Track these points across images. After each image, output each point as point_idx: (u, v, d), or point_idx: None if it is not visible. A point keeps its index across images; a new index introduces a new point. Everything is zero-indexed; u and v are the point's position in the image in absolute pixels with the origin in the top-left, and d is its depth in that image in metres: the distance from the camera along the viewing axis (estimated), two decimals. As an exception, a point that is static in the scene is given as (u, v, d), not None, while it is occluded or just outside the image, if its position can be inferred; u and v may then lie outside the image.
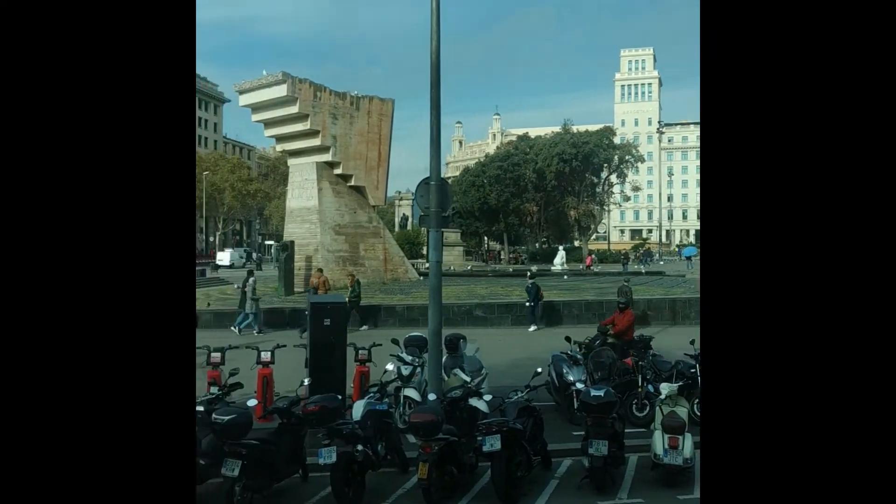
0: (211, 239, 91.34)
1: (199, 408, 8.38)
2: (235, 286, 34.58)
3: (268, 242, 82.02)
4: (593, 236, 79.97)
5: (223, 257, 65.71)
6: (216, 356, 11.50)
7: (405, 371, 10.96)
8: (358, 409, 9.14)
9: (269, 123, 32.21)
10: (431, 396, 9.50)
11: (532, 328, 22.10)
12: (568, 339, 12.91)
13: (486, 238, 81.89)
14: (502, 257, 73.26)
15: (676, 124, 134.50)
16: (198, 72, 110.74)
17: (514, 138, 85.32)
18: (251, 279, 21.88)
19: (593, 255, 63.09)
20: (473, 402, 9.50)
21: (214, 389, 9.04)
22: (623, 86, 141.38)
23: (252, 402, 8.63)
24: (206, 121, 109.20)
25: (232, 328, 21.15)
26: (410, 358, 11.28)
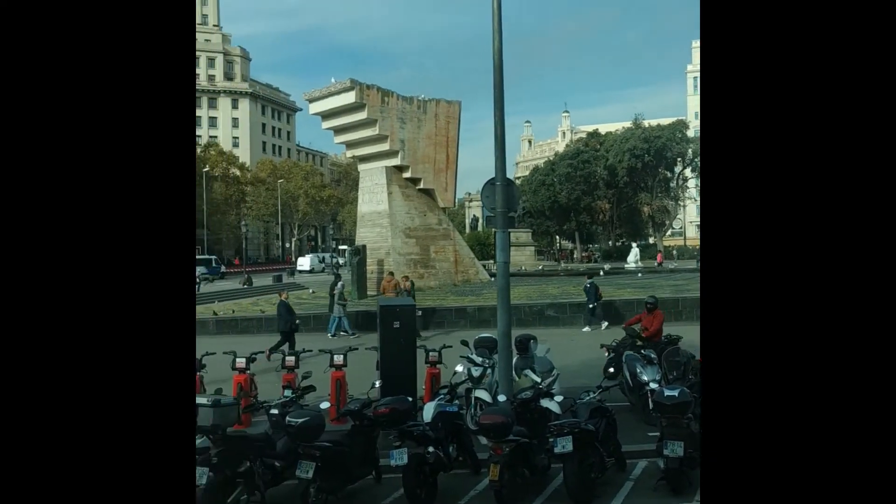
0: (287, 245, 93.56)
1: (274, 410, 8.59)
2: (311, 291, 35.35)
3: (341, 247, 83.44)
4: (668, 232, 78.21)
5: (303, 263, 66.98)
6: (290, 360, 11.78)
7: (475, 372, 10.95)
8: (429, 410, 9.18)
9: (338, 130, 32.81)
10: (502, 398, 9.46)
11: (586, 328, 21.80)
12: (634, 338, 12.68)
13: (557, 237, 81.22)
14: (575, 256, 72.45)
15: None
16: (271, 83, 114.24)
17: (583, 135, 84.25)
18: (339, 283, 22.23)
19: (674, 252, 61.80)
20: (544, 402, 9.42)
21: (288, 392, 9.24)
22: (695, 77, 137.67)
23: (325, 405, 8.78)
24: (279, 130, 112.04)
25: (334, 334, 21.38)
26: (480, 359, 11.26)
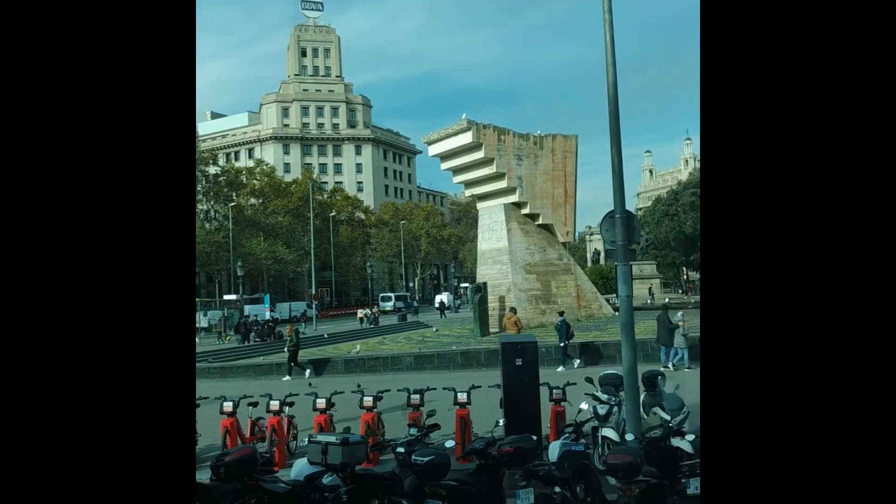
0: (410, 284, 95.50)
1: (400, 449, 8.72)
2: (434, 329, 35.78)
3: (462, 285, 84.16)
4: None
5: (443, 299, 66.99)
6: (416, 398, 11.95)
7: (601, 410, 10.69)
8: (554, 449, 9.03)
9: (457, 170, 33.42)
10: (630, 437, 9.18)
11: (560, 368, 20.78)
12: None
13: (684, 268, 78.43)
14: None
15: None
16: (392, 128, 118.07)
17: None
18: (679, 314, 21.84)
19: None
20: (675, 442, 9.05)
21: (413, 431, 9.35)
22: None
23: (450, 444, 8.82)
24: (400, 173, 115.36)
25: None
26: (606, 397, 10.99)
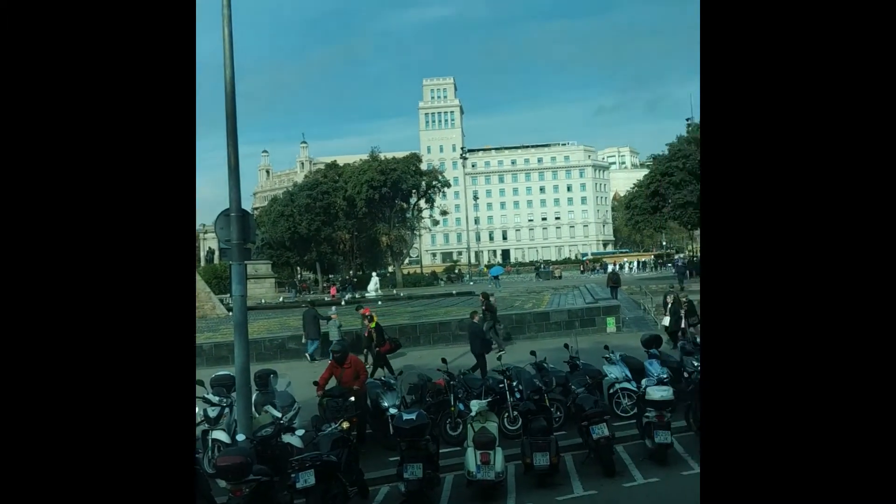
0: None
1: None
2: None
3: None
4: (406, 261, 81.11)
5: None
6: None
7: (212, 413, 10.43)
8: (160, 458, 8.54)
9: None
10: (241, 437, 9.11)
11: None
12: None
13: (298, 268, 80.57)
14: (319, 286, 72.32)
15: (479, 150, 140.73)
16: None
17: (322, 167, 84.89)
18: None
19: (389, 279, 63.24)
20: (286, 438, 9.24)
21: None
22: (427, 114, 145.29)
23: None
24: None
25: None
26: (217, 398, 10.76)
